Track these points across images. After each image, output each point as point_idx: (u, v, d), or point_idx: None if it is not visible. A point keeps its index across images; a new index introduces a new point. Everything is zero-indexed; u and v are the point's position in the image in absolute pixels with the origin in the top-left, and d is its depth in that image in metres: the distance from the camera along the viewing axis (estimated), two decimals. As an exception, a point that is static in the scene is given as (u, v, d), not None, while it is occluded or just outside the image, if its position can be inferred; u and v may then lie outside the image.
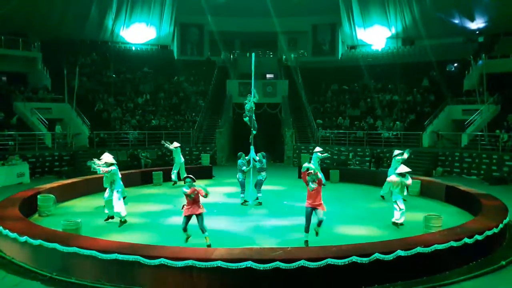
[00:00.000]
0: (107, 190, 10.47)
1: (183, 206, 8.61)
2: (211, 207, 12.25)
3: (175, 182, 16.15)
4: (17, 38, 24.53)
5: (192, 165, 21.77)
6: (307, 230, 8.68)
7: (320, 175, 8.76)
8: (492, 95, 22.61)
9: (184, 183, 8.58)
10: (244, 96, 13.43)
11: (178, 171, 16.30)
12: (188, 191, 8.35)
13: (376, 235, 9.35)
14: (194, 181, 8.47)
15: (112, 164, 10.34)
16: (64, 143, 21.67)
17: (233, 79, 29.44)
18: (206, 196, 8.40)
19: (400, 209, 10.05)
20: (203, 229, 8.44)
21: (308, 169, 8.58)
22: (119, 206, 10.11)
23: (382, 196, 13.46)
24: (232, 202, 13.25)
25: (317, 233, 8.74)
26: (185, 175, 15.72)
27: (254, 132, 13.17)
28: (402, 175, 10.05)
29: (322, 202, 8.60)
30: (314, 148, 17.44)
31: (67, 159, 20.07)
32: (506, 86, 23.16)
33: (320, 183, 8.57)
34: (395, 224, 10.12)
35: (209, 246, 8.25)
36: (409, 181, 10.07)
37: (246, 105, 13.28)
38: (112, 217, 10.47)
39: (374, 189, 15.18)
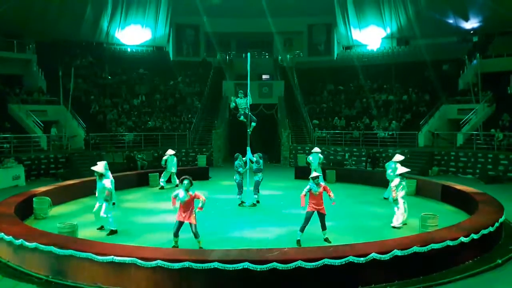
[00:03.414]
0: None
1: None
2: (208, 208, 12.25)
3: (162, 187, 16.08)
4: (11, 40, 24.43)
5: (188, 166, 21.76)
6: (302, 230, 8.75)
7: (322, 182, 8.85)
8: (487, 94, 22.71)
9: (181, 184, 8.21)
10: (239, 97, 13.42)
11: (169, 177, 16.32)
12: (187, 198, 8.09)
13: (372, 234, 9.36)
14: (192, 184, 8.22)
15: (102, 175, 9.97)
16: (60, 145, 21.57)
17: (229, 80, 29.42)
18: (202, 206, 8.24)
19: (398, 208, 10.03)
20: (196, 235, 8.26)
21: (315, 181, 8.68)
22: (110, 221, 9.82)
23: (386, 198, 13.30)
24: (229, 203, 13.24)
25: (328, 240, 8.83)
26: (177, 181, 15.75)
27: (254, 124, 13.19)
28: (402, 175, 10.10)
29: (323, 205, 8.72)
30: (311, 148, 17.49)
31: (62, 162, 19.97)
32: (501, 85, 23.30)
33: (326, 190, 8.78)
34: (395, 227, 10.01)
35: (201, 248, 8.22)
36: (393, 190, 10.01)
37: (240, 104, 13.25)
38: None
39: (371, 189, 15.21)
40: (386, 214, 10.87)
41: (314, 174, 8.90)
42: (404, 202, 10.15)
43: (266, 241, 8.98)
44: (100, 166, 10.25)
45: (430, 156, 20.96)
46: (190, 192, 8.16)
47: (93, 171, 10.33)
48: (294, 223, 10.24)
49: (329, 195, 8.86)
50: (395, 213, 10.09)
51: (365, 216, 11.40)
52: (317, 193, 8.61)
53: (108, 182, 9.84)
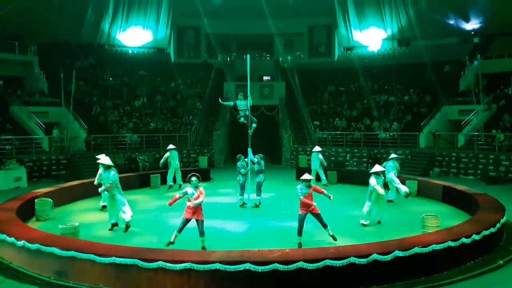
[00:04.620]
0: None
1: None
2: (209, 209, 12.27)
3: (170, 186, 16.06)
4: (13, 42, 24.50)
5: (190, 167, 21.77)
6: (300, 233, 8.76)
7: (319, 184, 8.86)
8: (488, 95, 22.71)
9: (190, 183, 8.35)
10: (239, 99, 13.44)
11: (174, 174, 16.25)
12: (195, 194, 8.17)
13: (374, 235, 9.36)
14: (200, 181, 8.34)
15: (109, 167, 10.14)
16: (61, 146, 21.62)
17: (230, 82, 29.46)
18: (194, 203, 8.15)
19: (367, 211, 10.36)
20: (202, 233, 8.37)
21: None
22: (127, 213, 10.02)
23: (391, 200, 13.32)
24: (230, 204, 13.26)
25: (334, 237, 8.78)
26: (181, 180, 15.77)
27: (255, 125, 13.20)
28: (377, 174, 10.18)
29: (315, 204, 8.67)
30: (312, 148, 17.52)
31: (64, 163, 20.02)
32: (502, 86, 23.27)
33: (317, 190, 8.81)
34: (363, 225, 10.32)
35: (203, 248, 8.29)
36: (379, 187, 10.05)
37: (240, 106, 13.24)
38: (117, 224, 10.18)
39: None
40: (388, 215, 10.87)
41: (306, 176, 8.80)
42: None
43: (267, 242, 8.98)
44: (107, 159, 10.36)
45: (431, 157, 20.95)
46: (200, 189, 8.24)
47: (95, 171, 10.40)
48: (295, 224, 10.24)
49: (323, 193, 8.86)
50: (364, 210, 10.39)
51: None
52: (307, 195, 8.61)
53: (113, 174, 9.90)
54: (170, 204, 8.53)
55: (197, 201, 8.17)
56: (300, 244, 8.68)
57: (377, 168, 10.40)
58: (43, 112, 22.91)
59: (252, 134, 13.29)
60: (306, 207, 8.62)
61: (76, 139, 22.22)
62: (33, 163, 19.06)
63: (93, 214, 11.85)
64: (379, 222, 10.49)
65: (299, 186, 8.74)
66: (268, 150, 25.35)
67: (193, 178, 8.30)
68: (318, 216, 8.74)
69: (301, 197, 8.60)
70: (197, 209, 8.26)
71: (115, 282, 6.83)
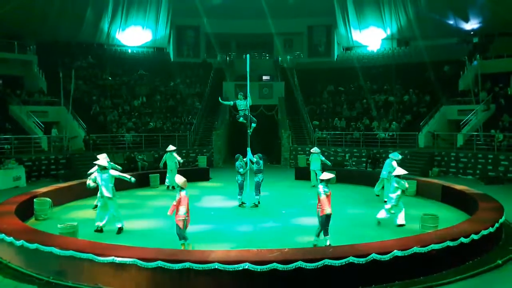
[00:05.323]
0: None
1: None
2: (208, 209, 12.29)
3: (172, 187, 16.02)
4: (12, 41, 24.49)
5: (189, 167, 21.79)
6: (327, 233, 8.50)
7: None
8: (487, 95, 22.71)
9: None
10: (239, 99, 13.43)
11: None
12: (176, 198, 8.03)
13: (373, 235, 9.37)
14: (182, 183, 8.08)
15: (105, 168, 10.02)
16: (60, 146, 21.61)
17: (230, 81, 29.47)
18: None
19: (390, 211, 10.27)
20: (179, 237, 8.04)
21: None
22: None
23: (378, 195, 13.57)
24: (229, 204, 13.27)
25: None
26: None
27: (254, 125, 13.19)
28: (399, 177, 10.15)
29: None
30: (311, 149, 17.49)
31: (63, 162, 20.01)
32: (501, 86, 23.30)
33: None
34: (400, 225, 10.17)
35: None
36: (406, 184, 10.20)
37: (240, 106, 13.23)
38: (101, 230, 9.91)
39: (371, 190, 15.21)
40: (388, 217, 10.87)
41: (327, 176, 8.57)
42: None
43: (266, 241, 8.99)
44: (103, 160, 10.25)
45: (430, 157, 20.96)
46: (181, 193, 8.02)
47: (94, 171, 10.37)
48: (294, 223, 10.27)
49: None
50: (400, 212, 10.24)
51: (365, 216, 11.40)
52: (328, 193, 8.46)
53: (105, 176, 9.83)
54: (170, 213, 8.34)
55: (182, 213, 7.91)
56: (328, 244, 8.40)
57: (399, 171, 10.35)
58: (42, 111, 22.91)
59: (251, 133, 13.29)
60: (329, 206, 8.38)
61: (75, 138, 22.21)
62: (32, 162, 19.04)
63: (92, 213, 11.82)
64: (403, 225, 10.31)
65: (321, 186, 8.46)
66: (267, 150, 25.35)
67: (178, 181, 8.18)
68: (327, 220, 8.47)
69: (323, 196, 8.34)
70: (175, 212, 8.04)
71: (114, 282, 6.83)
